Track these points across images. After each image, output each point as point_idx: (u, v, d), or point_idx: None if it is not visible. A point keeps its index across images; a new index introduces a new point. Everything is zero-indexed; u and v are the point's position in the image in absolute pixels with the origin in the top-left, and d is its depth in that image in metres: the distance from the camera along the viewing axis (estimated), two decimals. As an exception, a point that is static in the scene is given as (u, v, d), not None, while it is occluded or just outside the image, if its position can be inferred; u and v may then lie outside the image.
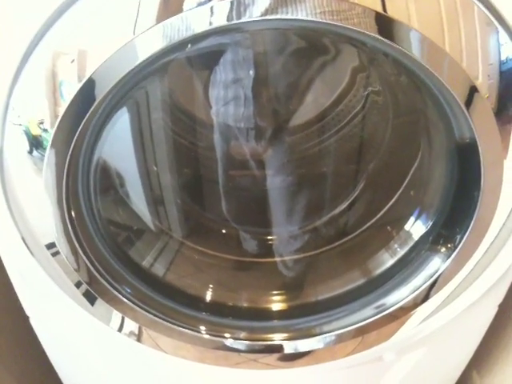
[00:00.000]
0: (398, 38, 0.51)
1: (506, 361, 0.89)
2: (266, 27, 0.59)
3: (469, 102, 0.53)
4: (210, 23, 0.50)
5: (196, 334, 0.73)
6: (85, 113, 0.55)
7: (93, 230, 0.66)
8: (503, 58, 0.52)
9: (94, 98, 0.54)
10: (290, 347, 0.74)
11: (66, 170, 0.58)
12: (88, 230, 0.65)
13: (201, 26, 0.50)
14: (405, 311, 0.70)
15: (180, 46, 0.52)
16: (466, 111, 0.54)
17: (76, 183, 0.62)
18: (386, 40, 0.51)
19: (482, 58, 0.52)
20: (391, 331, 0.72)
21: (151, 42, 0.51)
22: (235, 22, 0.50)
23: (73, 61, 0.52)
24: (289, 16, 0.50)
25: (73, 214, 0.62)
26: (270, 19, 0.50)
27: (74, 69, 0.52)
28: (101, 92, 0.53)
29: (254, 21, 0.50)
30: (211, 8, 0.49)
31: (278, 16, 0.50)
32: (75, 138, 0.56)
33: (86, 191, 0.64)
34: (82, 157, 0.61)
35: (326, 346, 0.73)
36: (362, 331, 0.72)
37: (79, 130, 0.56)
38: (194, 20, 0.50)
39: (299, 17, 0.50)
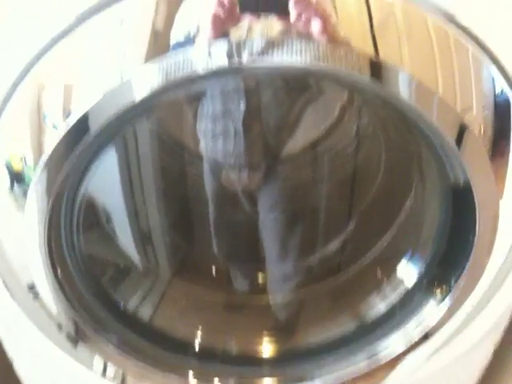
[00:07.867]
0: (386, 81, 0.49)
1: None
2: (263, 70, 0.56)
3: (459, 140, 0.51)
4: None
5: (183, 379, 0.70)
6: (73, 151, 0.52)
7: (74, 270, 0.64)
8: (498, 90, 0.51)
9: (83, 137, 0.52)
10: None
11: (49, 207, 0.55)
12: (69, 270, 0.63)
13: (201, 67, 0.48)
14: (399, 356, 0.68)
15: (179, 85, 0.50)
16: (456, 149, 0.52)
17: (59, 222, 0.60)
18: (375, 82, 0.49)
19: (476, 89, 0.50)
20: (382, 375, 0.70)
21: (146, 81, 0.49)
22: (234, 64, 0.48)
23: (59, 96, 0.51)
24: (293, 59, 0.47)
25: (54, 254, 0.59)
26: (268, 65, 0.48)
27: (59, 104, 0.51)
28: (92, 131, 0.52)
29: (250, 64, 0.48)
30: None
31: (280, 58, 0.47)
32: (62, 175, 0.54)
33: (68, 230, 0.62)
34: (65, 194, 0.59)
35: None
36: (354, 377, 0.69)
37: (66, 168, 0.54)
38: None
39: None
